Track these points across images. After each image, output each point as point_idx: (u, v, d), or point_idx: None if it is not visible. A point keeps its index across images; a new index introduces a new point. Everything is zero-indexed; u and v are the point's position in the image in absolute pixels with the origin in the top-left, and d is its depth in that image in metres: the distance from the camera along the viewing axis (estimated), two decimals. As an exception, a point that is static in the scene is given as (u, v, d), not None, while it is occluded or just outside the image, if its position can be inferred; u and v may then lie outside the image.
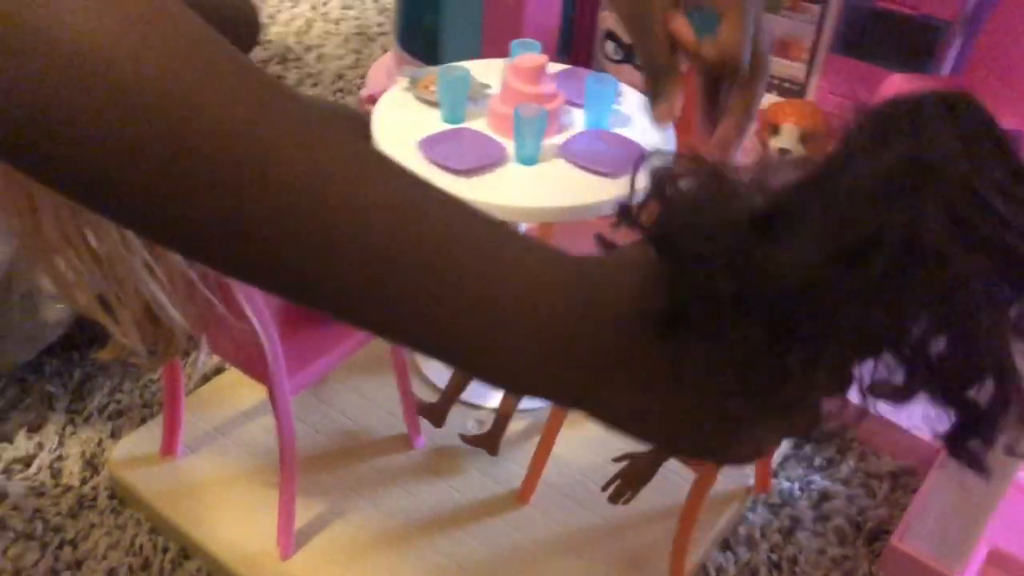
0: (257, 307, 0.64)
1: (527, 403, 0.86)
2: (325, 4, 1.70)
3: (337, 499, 0.81)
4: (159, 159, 0.32)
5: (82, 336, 0.94)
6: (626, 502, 0.74)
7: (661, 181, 0.41)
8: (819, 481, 0.90)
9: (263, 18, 1.36)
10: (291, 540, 0.76)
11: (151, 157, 0.32)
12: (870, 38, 1.10)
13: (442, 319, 0.37)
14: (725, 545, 0.83)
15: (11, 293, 0.85)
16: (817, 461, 0.92)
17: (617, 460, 0.74)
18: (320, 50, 1.56)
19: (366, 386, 0.91)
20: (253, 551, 0.77)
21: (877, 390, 0.38)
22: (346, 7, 1.70)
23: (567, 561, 0.80)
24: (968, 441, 0.39)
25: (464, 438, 0.85)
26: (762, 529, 0.85)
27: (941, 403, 0.39)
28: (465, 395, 0.86)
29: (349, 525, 0.79)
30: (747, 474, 0.87)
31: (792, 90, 1.24)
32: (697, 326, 0.39)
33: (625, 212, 0.43)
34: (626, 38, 0.94)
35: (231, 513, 0.79)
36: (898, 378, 0.39)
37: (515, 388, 0.41)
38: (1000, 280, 0.38)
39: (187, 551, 0.79)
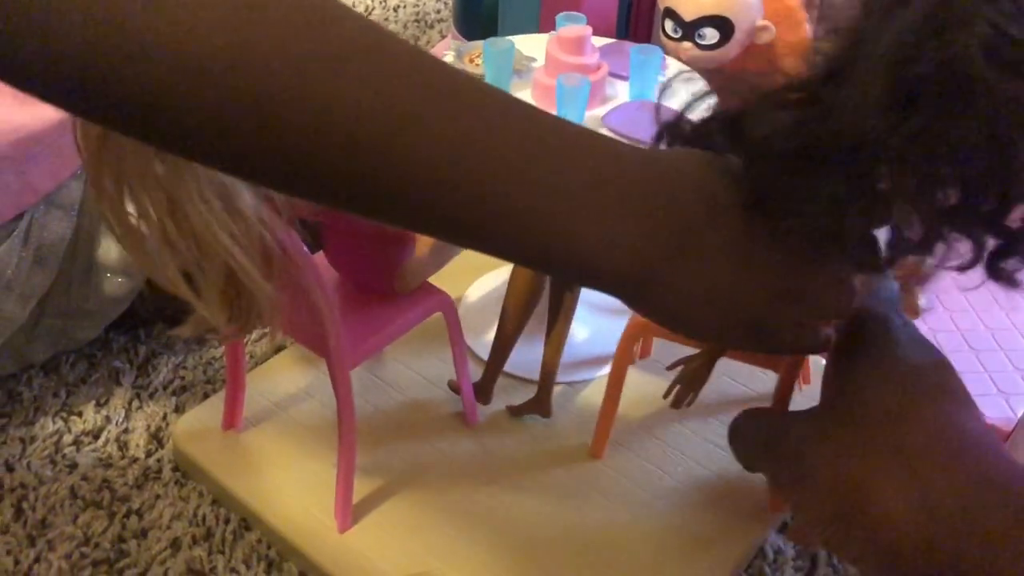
0: (320, 279, 0.65)
1: (566, 374, 0.86)
2: (385, -8, 1.72)
3: (394, 474, 0.82)
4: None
5: (147, 314, 0.97)
6: (688, 404, 0.73)
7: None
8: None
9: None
10: (349, 514, 0.77)
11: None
12: None
13: (529, 195, 0.40)
14: (784, 528, 0.81)
15: (74, 268, 0.88)
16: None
17: (671, 367, 0.73)
18: (380, 37, 1.58)
19: (423, 364, 0.92)
20: (312, 524, 0.78)
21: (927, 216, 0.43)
22: (406, -6, 1.72)
23: (644, 522, 0.78)
24: (1007, 261, 0.46)
25: (512, 409, 0.85)
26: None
27: (983, 229, 0.45)
28: (507, 368, 0.86)
29: (406, 499, 0.80)
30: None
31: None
32: (771, 190, 0.44)
33: (673, 127, 0.48)
34: (685, 15, 0.93)
35: (291, 486, 0.81)
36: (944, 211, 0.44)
37: (589, 266, 0.43)
38: None
39: (248, 522, 0.81)
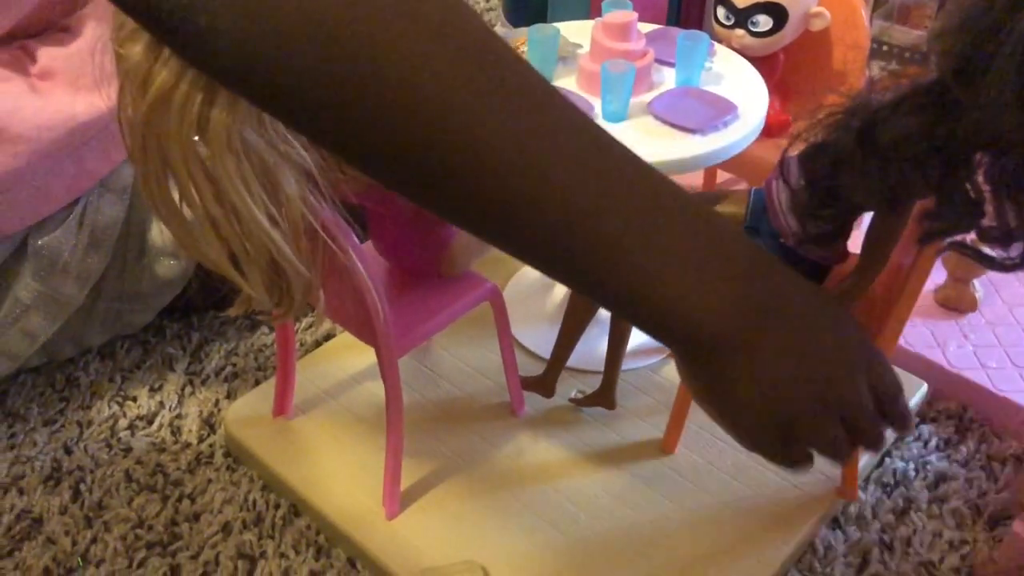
0: (369, 269, 0.66)
1: (628, 363, 0.85)
2: (436, -18, 1.72)
3: (442, 463, 0.83)
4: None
5: (200, 301, 0.99)
6: None
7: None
8: (936, 462, 0.86)
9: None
10: (397, 501, 0.78)
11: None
12: None
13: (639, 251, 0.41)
14: (835, 523, 0.80)
15: (127, 251, 0.90)
16: (934, 441, 0.87)
17: None
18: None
19: (470, 354, 0.92)
20: (360, 510, 0.79)
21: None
22: (457, -16, 1.72)
23: (699, 517, 0.78)
24: None
25: (576, 401, 0.85)
26: (873, 509, 0.81)
27: None
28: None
29: (453, 488, 0.81)
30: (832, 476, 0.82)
31: (914, 60, 1.18)
32: (905, 193, 0.50)
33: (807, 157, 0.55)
34: (739, 2, 0.91)
35: (339, 473, 0.82)
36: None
37: (670, 319, 0.44)
38: None
39: (297, 508, 0.82)
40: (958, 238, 0.53)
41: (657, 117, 0.75)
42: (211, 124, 0.51)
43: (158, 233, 0.90)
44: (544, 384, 0.84)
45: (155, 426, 0.90)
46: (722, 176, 1.08)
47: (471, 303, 0.78)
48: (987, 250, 0.52)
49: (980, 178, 0.50)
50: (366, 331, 0.72)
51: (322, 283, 0.65)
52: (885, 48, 1.20)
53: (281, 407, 0.87)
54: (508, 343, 0.83)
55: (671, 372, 0.87)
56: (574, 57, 0.81)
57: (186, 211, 0.56)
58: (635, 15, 0.77)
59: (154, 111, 0.51)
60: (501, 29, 0.94)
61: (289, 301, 0.62)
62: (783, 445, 0.47)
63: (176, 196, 0.56)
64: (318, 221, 0.60)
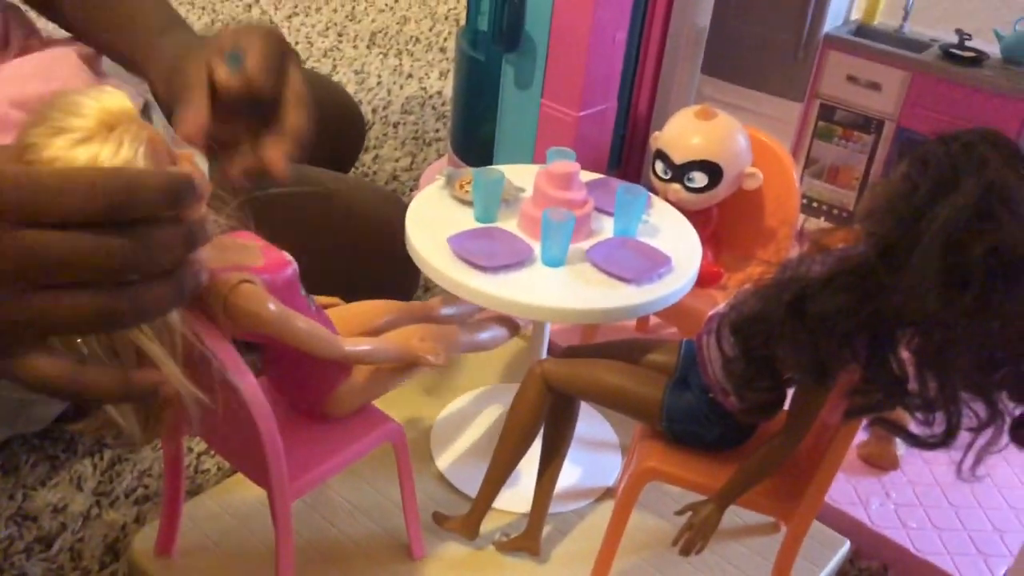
0: (263, 407, 0.62)
1: (555, 507, 0.84)
2: (385, 108, 1.76)
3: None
4: None
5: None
6: (698, 552, 0.70)
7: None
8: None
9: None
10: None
11: None
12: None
13: None
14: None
15: None
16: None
17: (679, 512, 0.71)
18: (378, 151, 1.61)
19: (365, 495, 0.87)
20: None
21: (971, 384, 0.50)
22: (406, 112, 1.76)
23: None
24: None
25: (500, 546, 0.82)
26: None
27: (1016, 398, 0.51)
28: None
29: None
30: None
31: (841, 217, 1.24)
32: (832, 362, 0.54)
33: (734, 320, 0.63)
34: (676, 158, 0.95)
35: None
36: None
37: None
38: None
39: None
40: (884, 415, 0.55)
41: (595, 265, 0.76)
42: None
43: None
44: (468, 525, 0.82)
45: (54, 550, 0.85)
46: (654, 321, 1.10)
47: (372, 443, 0.74)
48: (912, 428, 0.53)
49: (904, 352, 0.52)
50: (259, 472, 0.66)
51: (206, 413, 0.61)
52: (815, 205, 1.25)
53: (164, 545, 0.79)
54: (410, 487, 0.78)
55: (598, 517, 0.86)
56: (517, 200, 0.83)
57: None
58: (578, 166, 0.79)
59: None
60: (448, 167, 0.96)
61: (156, 426, 0.56)
62: None
63: None
64: (209, 351, 0.57)
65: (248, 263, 0.62)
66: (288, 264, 0.64)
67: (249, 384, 0.61)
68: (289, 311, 0.62)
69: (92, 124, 0.43)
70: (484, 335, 0.82)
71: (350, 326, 0.76)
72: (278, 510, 0.68)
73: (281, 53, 0.68)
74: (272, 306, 0.61)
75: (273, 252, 0.64)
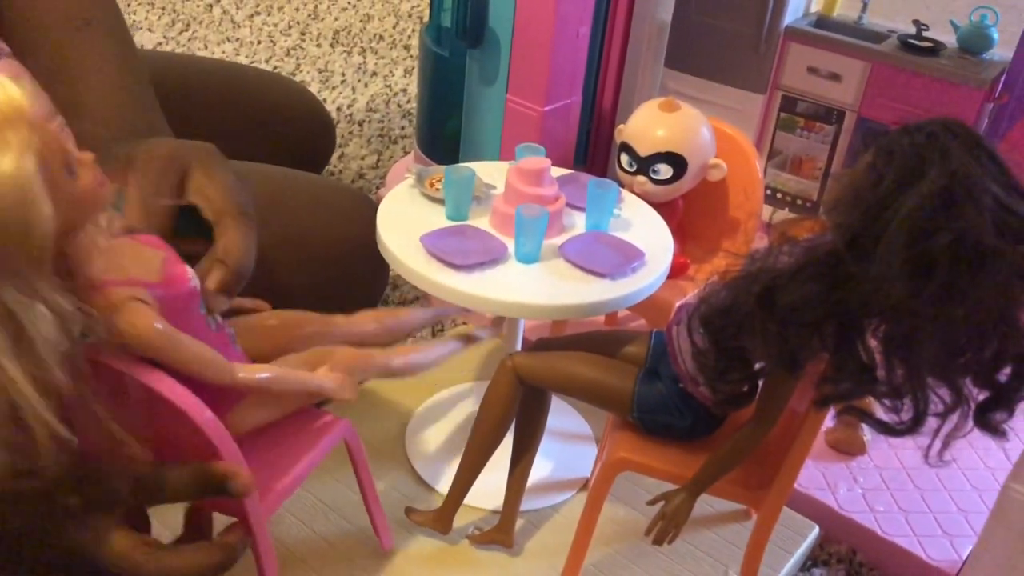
0: (224, 440, 0.60)
1: (529, 502, 0.84)
2: (350, 107, 1.76)
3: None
4: None
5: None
6: (671, 541, 0.71)
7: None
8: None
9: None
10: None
11: None
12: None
13: None
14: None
15: None
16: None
17: (651, 503, 0.72)
18: (343, 149, 1.60)
19: (328, 493, 0.87)
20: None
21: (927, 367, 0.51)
22: (371, 110, 1.75)
23: None
24: (994, 412, 0.53)
25: (473, 539, 0.83)
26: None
27: (980, 383, 0.52)
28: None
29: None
30: None
31: (805, 207, 1.25)
32: (801, 352, 0.55)
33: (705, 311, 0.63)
34: (641, 151, 0.96)
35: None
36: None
37: None
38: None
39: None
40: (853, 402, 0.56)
41: (569, 261, 0.77)
42: None
43: None
44: (440, 519, 0.82)
45: None
46: (623, 313, 1.11)
47: (326, 448, 0.72)
48: (880, 415, 0.54)
49: (872, 340, 0.53)
50: (228, 504, 0.63)
51: (153, 450, 0.59)
52: (779, 196, 1.26)
53: None
54: (368, 480, 0.77)
55: (571, 509, 0.87)
56: (488, 198, 0.83)
57: None
58: (549, 162, 0.80)
59: None
60: (416, 164, 0.96)
61: (33, 462, 0.51)
62: None
63: None
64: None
65: (143, 277, 0.57)
66: (187, 280, 0.59)
67: (202, 412, 0.58)
68: (176, 334, 0.57)
69: None
70: (417, 357, 0.75)
71: (272, 335, 0.71)
72: (257, 533, 0.65)
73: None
74: (158, 326, 0.55)
75: (174, 265, 0.59)
